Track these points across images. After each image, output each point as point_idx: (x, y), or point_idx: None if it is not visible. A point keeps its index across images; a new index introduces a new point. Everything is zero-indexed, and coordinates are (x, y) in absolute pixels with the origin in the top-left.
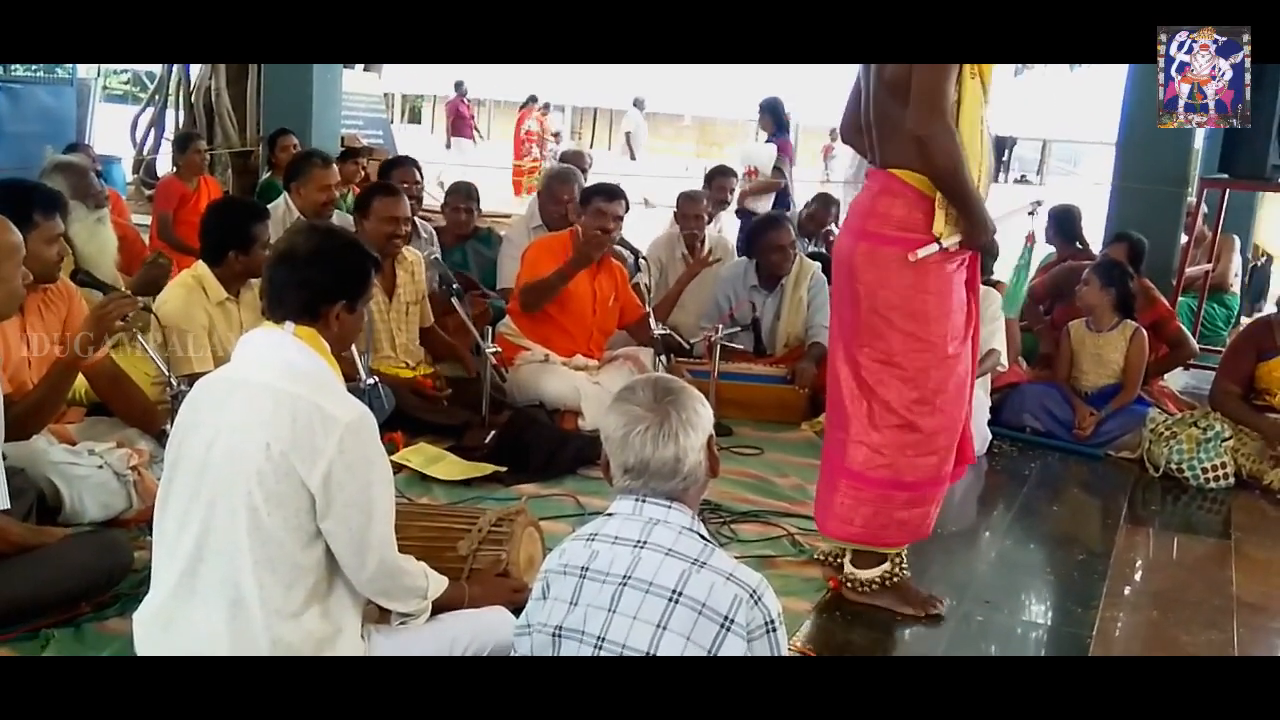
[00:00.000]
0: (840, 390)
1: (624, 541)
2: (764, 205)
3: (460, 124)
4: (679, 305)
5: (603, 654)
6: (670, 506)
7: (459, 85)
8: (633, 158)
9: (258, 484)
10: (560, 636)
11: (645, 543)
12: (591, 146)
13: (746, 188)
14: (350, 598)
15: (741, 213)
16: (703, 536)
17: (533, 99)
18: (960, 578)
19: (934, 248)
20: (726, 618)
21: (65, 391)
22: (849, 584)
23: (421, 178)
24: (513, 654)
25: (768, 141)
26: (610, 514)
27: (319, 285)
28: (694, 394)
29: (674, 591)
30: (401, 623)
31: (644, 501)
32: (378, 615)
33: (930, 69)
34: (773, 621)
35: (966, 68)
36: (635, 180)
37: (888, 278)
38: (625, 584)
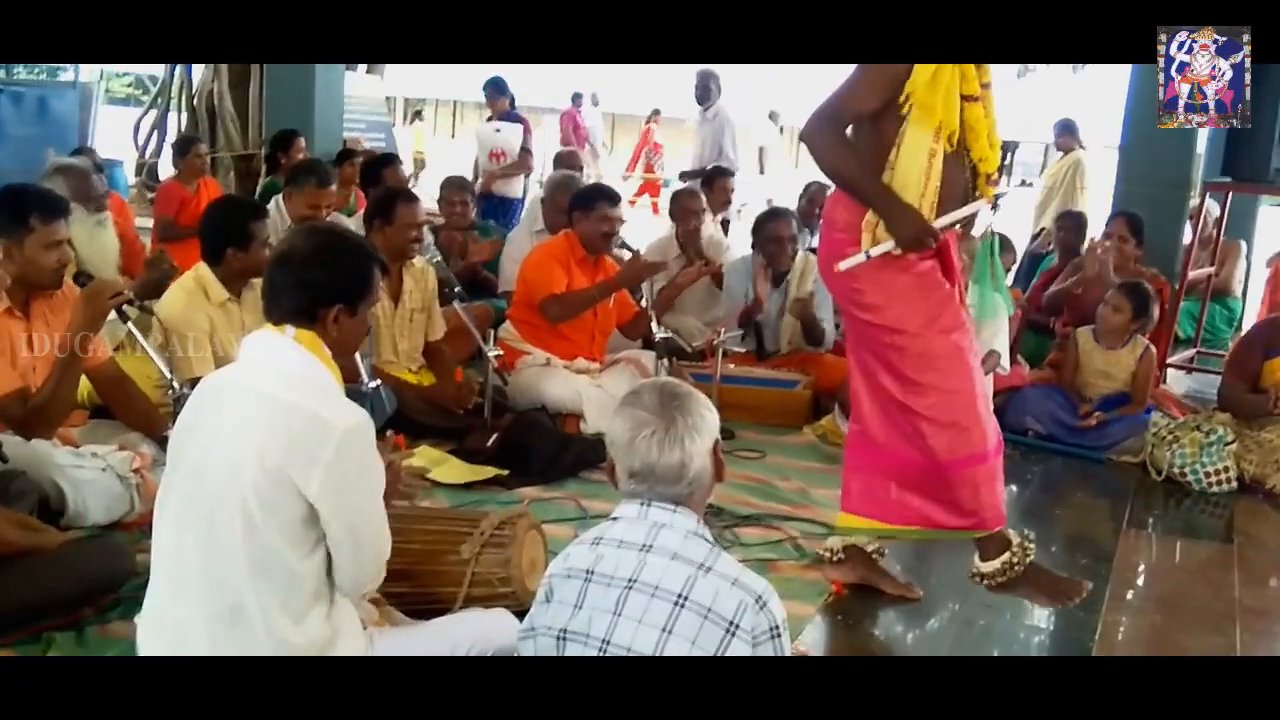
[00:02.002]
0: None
1: (629, 545)
2: (514, 188)
3: (575, 136)
4: (680, 309)
5: (607, 657)
6: (676, 511)
7: (577, 97)
8: (762, 171)
9: (252, 492)
10: (565, 639)
11: (651, 546)
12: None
13: (495, 170)
14: (351, 602)
15: (487, 197)
16: (708, 541)
17: (656, 111)
18: (963, 581)
19: (860, 258)
20: (732, 623)
21: (73, 389)
22: (984, 581)
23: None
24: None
25: (500, 121)
26: (615, 518)
27: (316, 286)
28: (700, 399)
29: (680, 596)
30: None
31: (649, 505)
32: (378, 618)
33: (844, 85)
34: (777, 627)
35: (913, 111)
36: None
37: (839, 277)
38: (631, 587)
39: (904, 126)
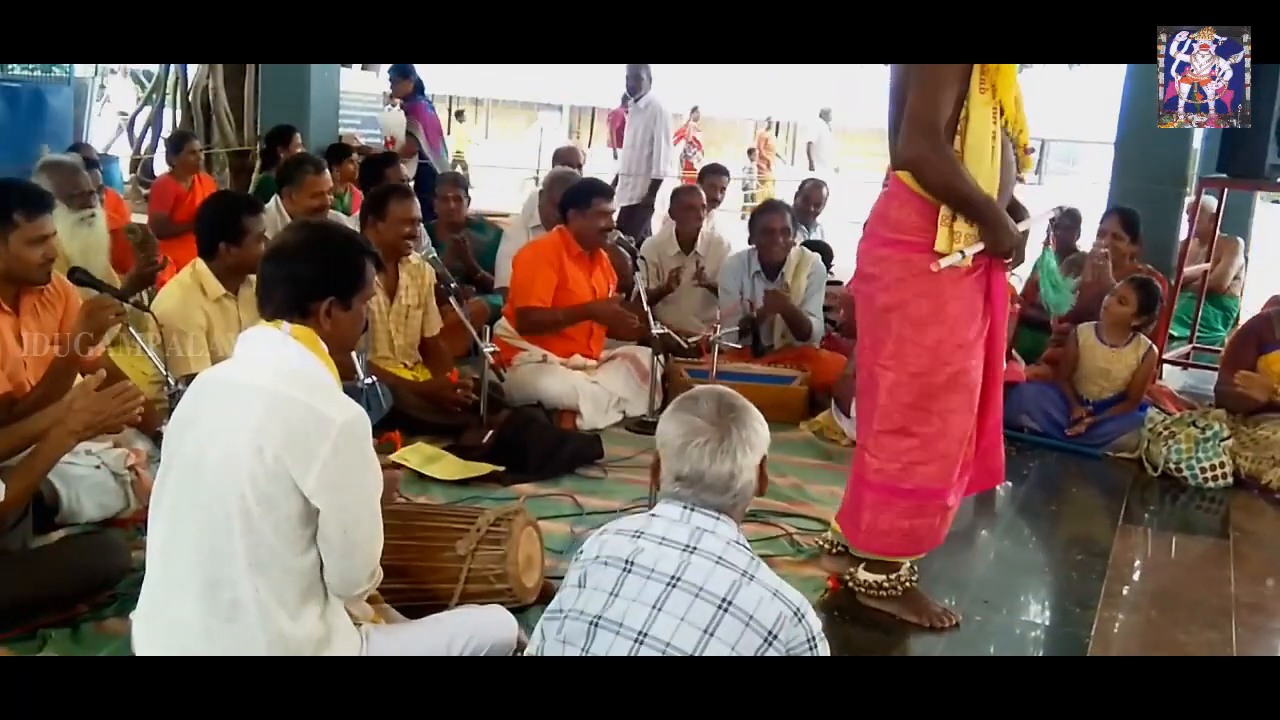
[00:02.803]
0: (860, 391)
1: (672, 544)
2: (404, 172)
3: (621, 135)
4: (675, 306)
5: (643, 649)
6: (718, 519)
7: (626, 98)
8: (811, 168)
9: (250, 487)
10: (598, 627)
11: (695, 549)
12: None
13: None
14: (346, 601)
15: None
16: (748, 550)
17: (695, 109)
18: (959, 577)
19: (957, 257)
20: (770, 633)
21: (64, 391)
22: (857, 587)
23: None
24: (538, 639)
25: (399, 108)
26: (655, 515)
27: (306, 280)
28: (755, 414)
29: (724, 600)
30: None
31: (693, 511)
32: (374, 615)
33: (922, 94)
34: (814, 639)
35: (976, 87)
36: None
37: (888, 280)
38: (674, 585)
39: (967, 110)
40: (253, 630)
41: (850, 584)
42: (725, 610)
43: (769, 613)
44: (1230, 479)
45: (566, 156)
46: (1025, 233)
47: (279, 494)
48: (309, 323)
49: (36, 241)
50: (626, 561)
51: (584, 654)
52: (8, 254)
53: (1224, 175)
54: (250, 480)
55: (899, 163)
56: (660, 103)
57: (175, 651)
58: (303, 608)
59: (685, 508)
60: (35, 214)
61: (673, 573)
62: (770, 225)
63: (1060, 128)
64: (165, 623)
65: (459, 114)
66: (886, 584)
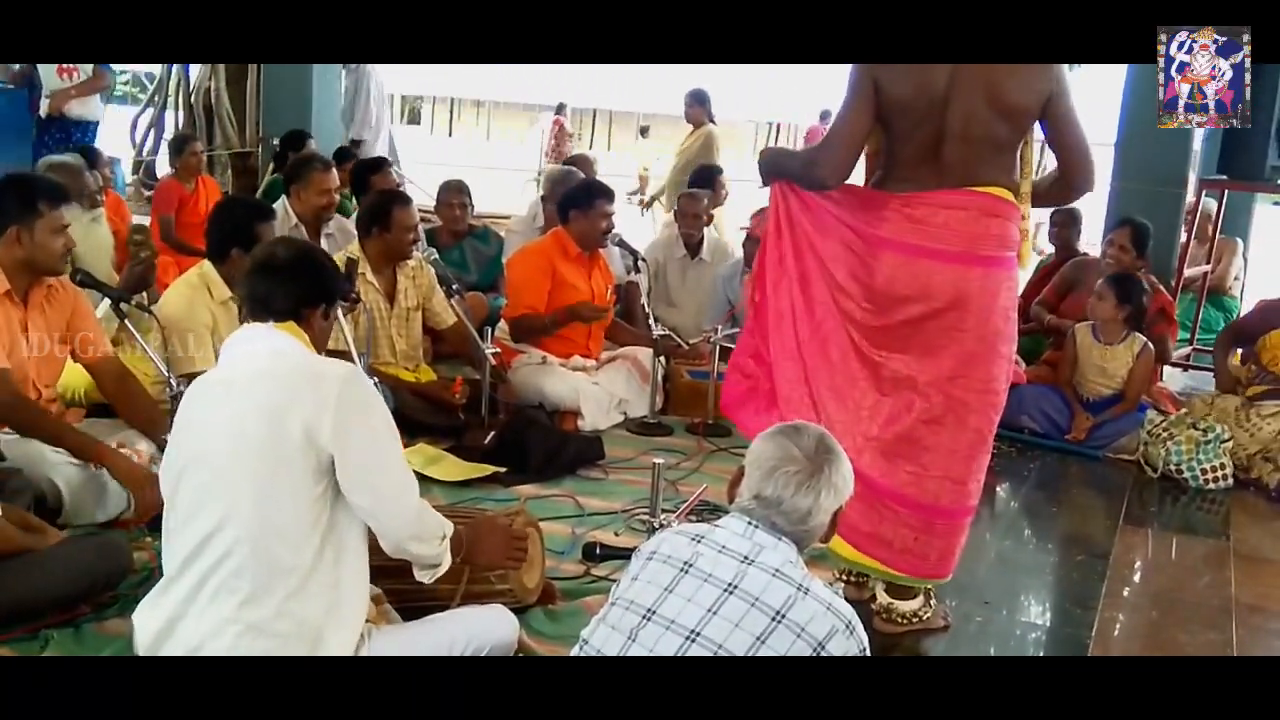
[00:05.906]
0: (937, 426)
1: (731, 553)
2: (91, 109)
3: None
4: (677, 307)
5: (694, 648)
6: (780, 539)
7: (825, 114)
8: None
9: (258, 458)
10: (650, 620)
11: (753, 561)
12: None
13: (70, 89)
14: (358, 574)
15: (55, 120)
16: (803, 569)
17: (826, 114)
18: (959, 578)
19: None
20: (821, 644)
21: (59, 442)
22: (884, 615)
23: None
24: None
25: None
26: (718, 525)
27: (303, 290)
28: (848, 462)
29: (778, 612)
30: (428, 571)
31: (756, 528)
32: (374, 614)
33: (1080, 126)
34: (865, 650)
35: None
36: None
37: (996, 301)
38: (731, 592)
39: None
40: (262, 607)
41: (885, 618)
42: (779, 621)
43: (821, 625)
44: (1230, 480)
45: (580, 164)
46: None
47: (293, 453)
48: (301, 325)
49: (59, 230)
50: (685, 563)
51: (629, 641)
52: (33, 243)
53: (1224, 176)
54: (259, 450)
55: (1086, 189)
56: (367, 71)
57: (172, 619)
58: (309, 586)
59: (750, 524)
60: (57, 204)
61: (730, 580)
62: (692, 210)
63: None
64: (169, 600)
65: (644, 130)
66: (922, 609)
